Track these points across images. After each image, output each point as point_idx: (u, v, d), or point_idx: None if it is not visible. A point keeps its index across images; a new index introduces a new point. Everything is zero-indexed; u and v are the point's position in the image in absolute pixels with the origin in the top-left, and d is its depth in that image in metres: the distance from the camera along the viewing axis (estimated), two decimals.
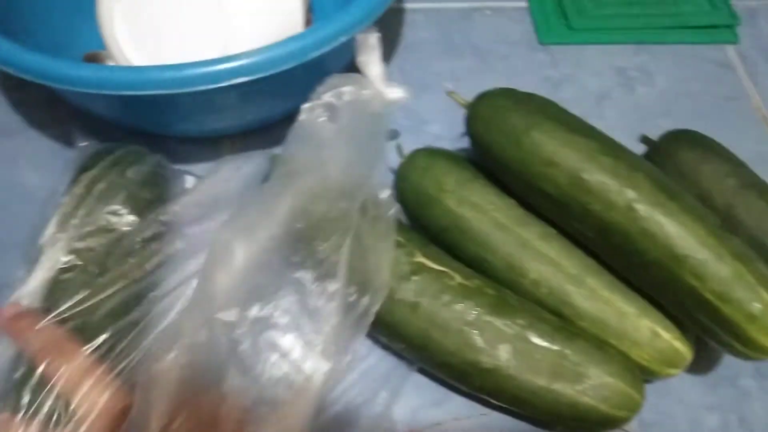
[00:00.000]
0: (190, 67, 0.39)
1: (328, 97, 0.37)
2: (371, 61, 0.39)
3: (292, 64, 0.40)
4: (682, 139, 0.45)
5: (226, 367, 0.31)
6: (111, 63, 0.48)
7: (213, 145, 0.50)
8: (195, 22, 0.46)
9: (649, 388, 0.41)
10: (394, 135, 0.50)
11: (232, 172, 0.42)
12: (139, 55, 0.46)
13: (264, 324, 0.33)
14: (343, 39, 0.41)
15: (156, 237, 0.38)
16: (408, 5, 0.61)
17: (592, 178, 0.36)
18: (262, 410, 0.31)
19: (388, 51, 0.57)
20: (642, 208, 0.35)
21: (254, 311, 0.33)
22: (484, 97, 0.42)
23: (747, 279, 0.34)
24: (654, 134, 0.47)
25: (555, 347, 0.35)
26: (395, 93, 0.39)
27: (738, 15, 0.60)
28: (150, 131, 0.49)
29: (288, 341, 0.32)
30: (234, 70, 0.39)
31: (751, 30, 0.60)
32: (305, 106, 0.37)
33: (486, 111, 0.41)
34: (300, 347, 0.32)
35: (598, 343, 0.37)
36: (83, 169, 0.40)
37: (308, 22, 0.52)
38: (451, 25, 0.60)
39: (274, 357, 0.32)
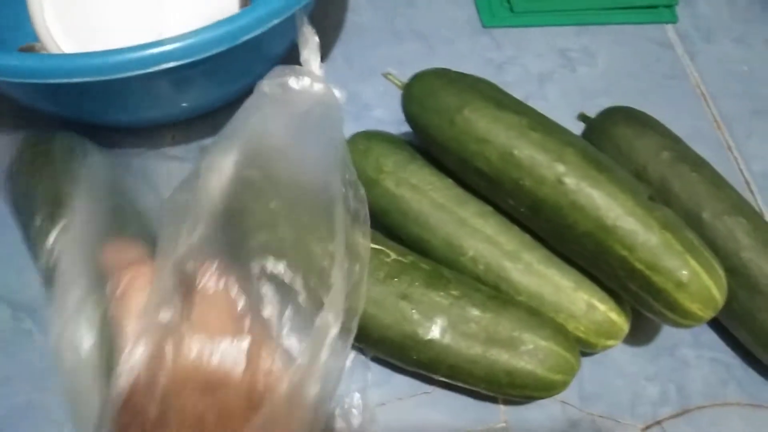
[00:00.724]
0: (117, 53, 0.38)
1: (271, 88, 0.36)
2: (311, 58, 0.39)
3: (224, 47, 0.39)
4: (618, 115, 0.45)
5: None
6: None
7: (151, 135, 0.50)
8: (128, 8, 0.45)
9: (589, 361, 0.42)
10: None
11: None
12: (71, 44, 0.46)
13: None
14: (275, 21, 0.41)
15: None
16: None
17: (522, 153, 0.36)
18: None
19: (332, 36, 0.57)
20: (571, 182, 0.35)
21: None
22: (417, 78, 0.42)
23: (675, 247, 0.34)
24: (595, 113, 0.47)
25: (489, 315, 0.36)
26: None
27: None
28: (86, 121, 0.48)
29: None
30: (163, 54, 0.38)
31: (690, 10, 0.61)
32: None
33: (420, 91, 0.41)
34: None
35: (531, 309, 0.37)
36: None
37: (247, 2, 0.51)
38: (395, 10, 0.59)
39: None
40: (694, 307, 0.35)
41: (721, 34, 0.60)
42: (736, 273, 0.39)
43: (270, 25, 0.41)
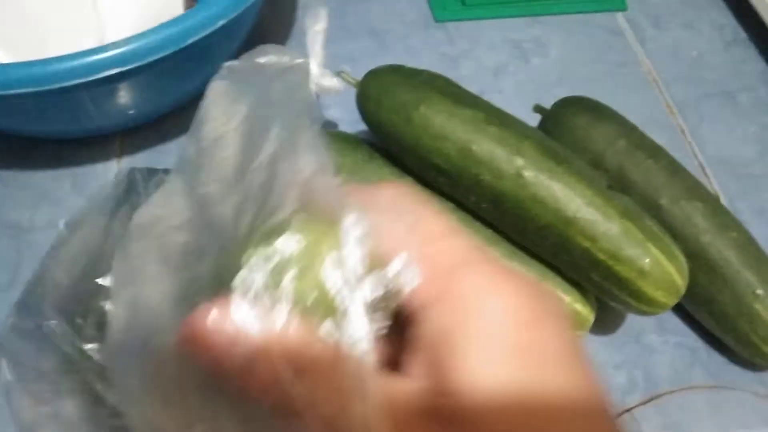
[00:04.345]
0: (57, 62, 0.37)
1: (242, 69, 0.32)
2: (315, 41, 0.36)
3: (170, 51, 0.38)
4: (574, 105, 0.45)
5: None
6: None
7: (100, 145, 0.48)
8: (67, 13, 0.43)
9: None
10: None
11: None
12: (7, 52, 0.43)
13: None
14: (222, 22, 0.40)
15: None
16: None
17: (481, 148, 0.36)
18: None
19: (283, 34, 0.56)
20: (530, 175, 0.35)
21: None
22: (372, 75, 0.41)
23: (635, 236, 0.34)
24: (550, 104, 0.47)
25: None
26: (330, 81, 0.36)
27: None
28: (26, 134, 0.46)
29: None
30: (106, 60, 0.37)
31: None
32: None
33: (375, 89, 0.40)
34: None
35: None
36: None
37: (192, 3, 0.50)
38: (347, 6, 0.59)
39: None
40: (657, 295, 0.35)
41: (671, 20, 0.61)
42: (695, 257, 0.39)
43: (217, 26, 0.40)
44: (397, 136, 0.39)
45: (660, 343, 0.43)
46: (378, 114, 0.40)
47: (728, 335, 0.40)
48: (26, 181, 0.48)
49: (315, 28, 0.34)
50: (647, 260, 0.34)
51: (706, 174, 0.51)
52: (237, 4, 0.41)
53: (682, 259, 0.35)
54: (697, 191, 0.41)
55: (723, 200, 0.50)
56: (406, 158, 0.40)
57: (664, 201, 0.40)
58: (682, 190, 0.40)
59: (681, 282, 0.35)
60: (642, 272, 0.34)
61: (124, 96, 0.43)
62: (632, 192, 0.40)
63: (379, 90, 0.40)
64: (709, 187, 0.50)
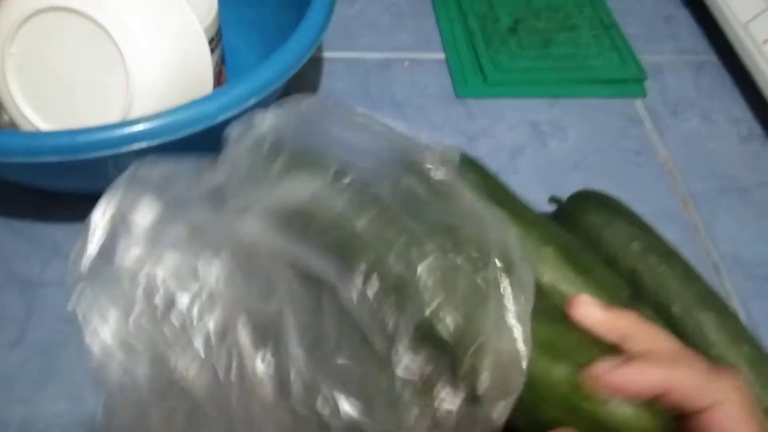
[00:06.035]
0: (86, 133, 0.37)
1: None
2: None
3: (197, 128, 0.39)
4: (587, 202, 0.45)
5: None
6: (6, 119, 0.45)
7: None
8: (96, 80, 0.44)
9: None
10: None
11: None
12: (34, 113, 0.44)
13: None
14: (254, 101, 0.40)
15: None
16: (326, 54, 0.61)
17: None
18: None
19: None
20: (547, 284, 0.35)
21: None
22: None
23: None
24: (567, 187, 0.47)
25: None
26: None
27: (645, 70, 0.62)
28: (42, 188, 0.46)
29: None
30: (135, 135, 0.38)
31: (658, 84, 0.63)
32: None
33: None
34: None
35: None
36: None
37: (220, 75, 0.51)
38: (370, 76, 0.59)
39: None
40: None
41: (688, 109, 0.62)
42: None
43: (249, 104, 0.40)
44: None
45: None
46: None
47: None
48: (40, 233, 0.48)
49: None
50: None
51: (719, 272, 0.51)
52: (269, 82, 0.41)
53: None
54: (710, 300, 0.41)
55: (735, 300, 0.50)
56: None
57: (675, 309, 0.40)
58: (695, 298, 0.40)
59: None
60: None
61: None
62: (644, 297, 0.40)
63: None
64: (720, 287, 0.50)
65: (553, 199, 0.48)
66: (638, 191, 0.54)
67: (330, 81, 0.59)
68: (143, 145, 0.37)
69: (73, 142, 0.37)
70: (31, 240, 0.47)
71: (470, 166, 0.38)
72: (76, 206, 0.48)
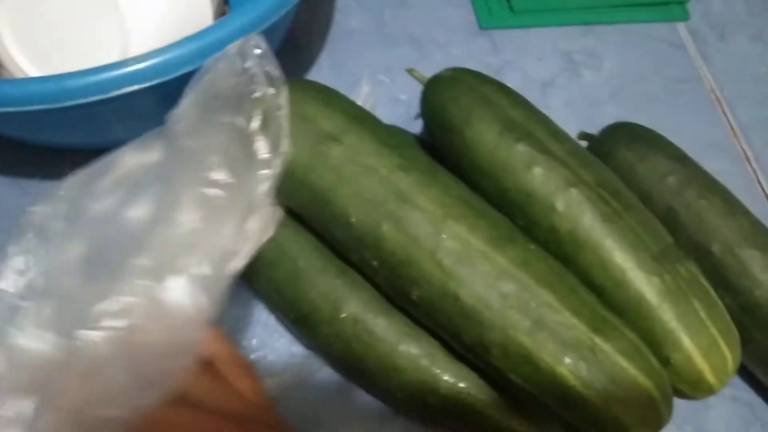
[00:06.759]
0: (73, 77, 0.34)
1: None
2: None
3: (195, 66, 0.36)
4: (619, 135, 0.41)
5: None
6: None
7: None
8: (90, 25, 0.41)
9: None
10: None
11: None
12: (30, 63, 0.42)
13: None
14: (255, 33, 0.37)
15: None
16: None
17: (519, 190, 0.33)
18: None
19: (318, 41, 0.53)
20: (565, 232, 0.32)
21: None
22: (434, 82, 0.39)
23: (667, 324, 0.31)
24: (603, 122, 0.44)
25: None
26: None
27: None
28: (49, 145, 0.44)
29: None
30: (126, 76, 0.35)
31: (702, 5, 0.57)
32: None
33: (433, 98, 0.38)
34: None
35: None
36: None
37: (222, 11, 0.47)
38: (385, 12, 0.55)
39: None
40: (683, 387, 0.31)
41: (737, 31, 0.56)
42: (749, 312, 0.35)
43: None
44: (442, 151, 0.36)
45: (714, 395, 0.39)
46: (430, 127, 0.38)
47: None
48: (49, 192, 0.46)
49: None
50: (675, 354, 0.30)
51: None
52: (271, 12, 0.38)
53: (726, 352, 0.31)
54: (755, 236, 0.36)
55: None
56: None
57: (715, 248, 0.36)
58: (737, 235, 0.36)
59: (714, 381, 0.31)
60: (667, 362, 0.31)
61: (153, 108, 0.40)
62: (682, 237, 0.36)
63: (434, 101, 0.37)
64: None
65: (583, 135, 0.44)
66: (682, 122, 0.50)
67: (344, 19, 0.55)
68: (135, 87, 0.35)
69: (57, 86, 0.34)
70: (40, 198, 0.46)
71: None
72: (83, 163, 0.46)
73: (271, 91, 0.30)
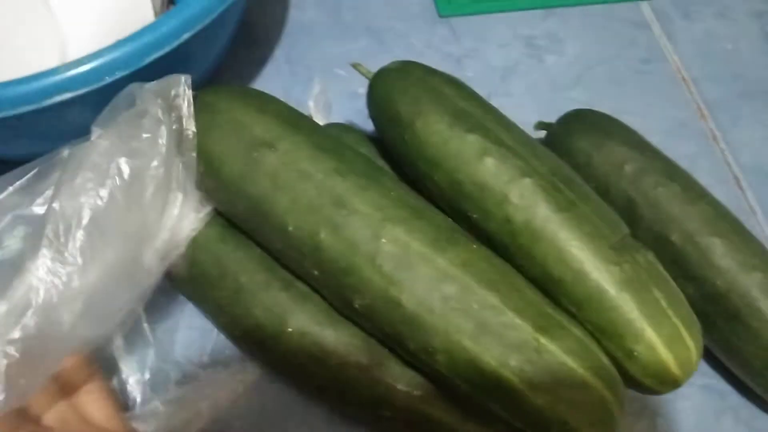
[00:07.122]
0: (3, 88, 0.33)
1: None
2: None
3: (130, 70, 0.34)
4: (575, 124, 0.40)
5: None
6: None
7: None
8: (22, 31, 0.39)
9: None
10: None
11: None
12: None
13: None
14: (188, 34, 0.36)
15: None
16: None
17: (471, 184, 0.31)
18: None
19: (275, 35, 0.52)
20: (520, 223, 0.30)
21: None
22: (380, 76, 0.37)
23: (628, 314, 0.30)
24: (566, 108, 0.42)
25: None
26: None
27: None
28: None
29: None
30: (58, 84, 0.33)
31: None
32: None
33: (379, 92, 0.36)
34: None
35: None
36: None
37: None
38: (342, 3, 0.54)
39: None
40: (647, 381, 0.30)
41: (701, 8, 0.55)
42: (713, 301, 0.34)
43: (181, 40, 0.35)
44: (391, 147, 0.35)
45: (685, 385, 0.38)
46: (379, 122, 0.36)
47: (758, 386, 0.36)
48: None
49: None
50: (637, 345, 0.29)
51: (740, 186, 0.45)
52: (215, 4, 0.36)
53: (690, 343, 0.30)
54: (716, 223, 0.35)
55: (759, 216, 0.44)
56: (404, 171, 0.36)
57: (675, 237, 0.35)
58: (697, 222, 0.35)
59: (679, 372, 0.30)
60: (630, 355, 0.29)
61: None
62: (640, 228, 0.35)
63: (381, 94, 0.36)
64: (744, 201, 0.45)
65: (542, 125, 0.42)
66: (648, 104, 0.49)
67: (298, 12, 0.53)
68: (67, 95, 0.33)
69: None
70: None
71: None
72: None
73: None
